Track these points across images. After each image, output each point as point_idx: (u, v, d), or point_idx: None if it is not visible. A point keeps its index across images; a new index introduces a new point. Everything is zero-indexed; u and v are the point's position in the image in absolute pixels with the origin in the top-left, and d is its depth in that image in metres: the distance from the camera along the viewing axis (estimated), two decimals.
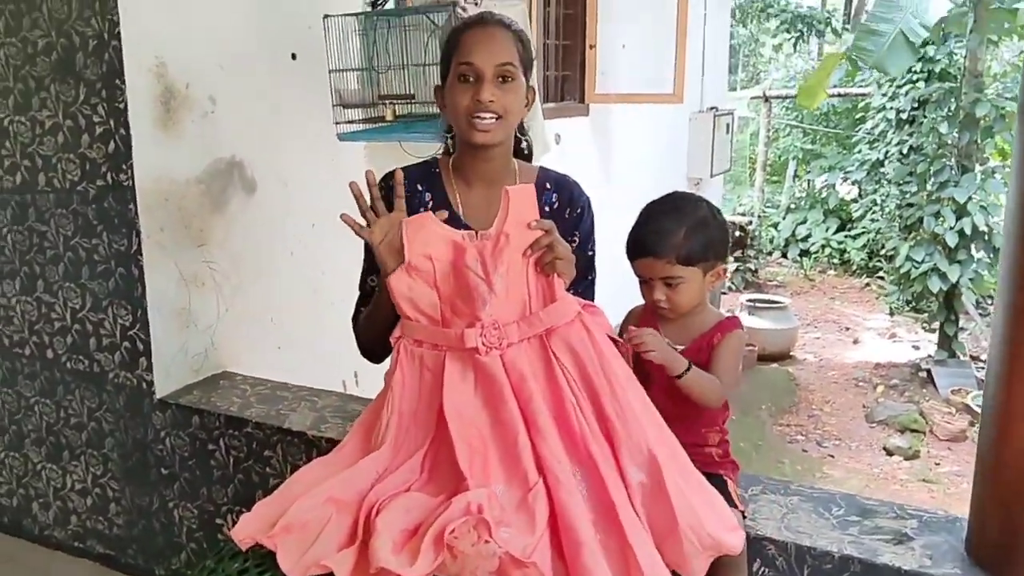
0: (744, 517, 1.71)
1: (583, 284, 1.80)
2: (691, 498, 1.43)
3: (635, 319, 1.80)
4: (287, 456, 2.22)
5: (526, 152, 1.85)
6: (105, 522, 2.61)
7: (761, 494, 1.87)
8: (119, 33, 2.21)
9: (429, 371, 1.50)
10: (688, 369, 1.63)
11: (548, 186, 1.79)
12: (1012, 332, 1.52)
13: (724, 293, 8.70)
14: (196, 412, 2.36)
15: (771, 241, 11.44)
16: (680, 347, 1.72)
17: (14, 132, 2.46)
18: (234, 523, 2.30)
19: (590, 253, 1.81)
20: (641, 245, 1.68)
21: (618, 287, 1.93)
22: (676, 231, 1.65)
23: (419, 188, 1.77)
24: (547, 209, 1.76)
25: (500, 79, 1.61)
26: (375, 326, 1.68)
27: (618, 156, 5.12)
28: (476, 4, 2.43)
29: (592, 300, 1.81)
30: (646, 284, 1.71)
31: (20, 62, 2.39)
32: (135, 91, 2.26)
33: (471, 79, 1.61)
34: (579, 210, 1.79)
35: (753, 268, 9.80)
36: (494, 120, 1.62)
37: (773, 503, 1.83)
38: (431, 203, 1.75)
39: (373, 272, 1.82)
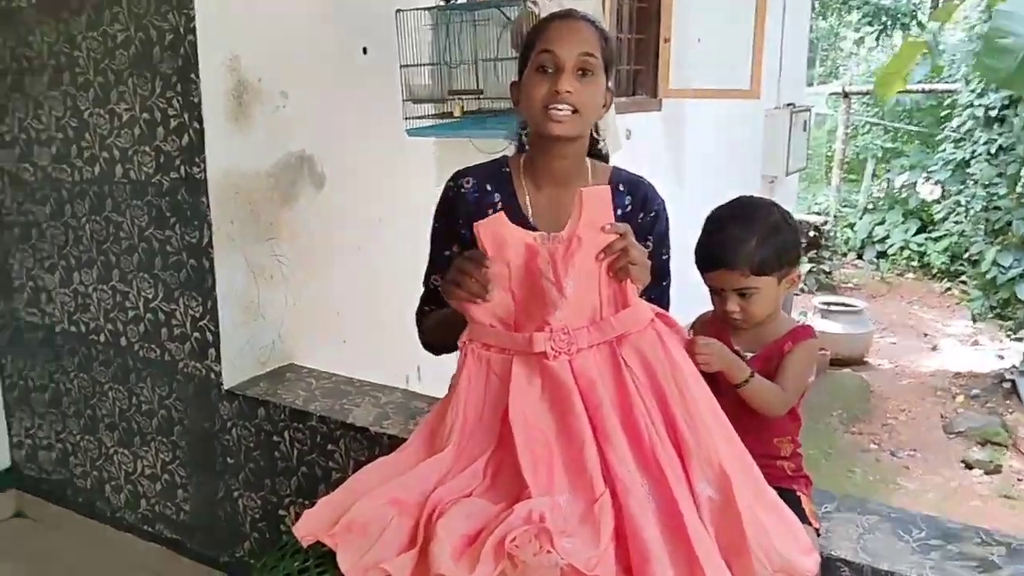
0: (818, 535, 1.64)
1: (657, 290, 1.74)
2: (763, 516, 1.36)
3: (703, 326, 1.74)
4: (349, 451, 2.22)
5: (603, 152, 1.80)
6: (173, 508, 2.66)
7: (836, 512, 1.79)
8: (194, 28, 2.24)
9: (496, 375, 1.47)
10: (751, 377, 1.57)
11: (621, 188, 1.73)
12: None
13: (796, 295, 8.47)
14: (262, 404, 2.38)
15: (847, 242, 11.12)
16: (749, 354, 1.65)
17: (93, 124, 2.52)
18: (296, 515, 2.32)
19: (664, 257, 1.76)
20: (712, 257, 1.62)
21: (691, 288, 1.86)
22: (748, 240, 1.57)
23: (487, 188, 1.74)
24: (619, 212, 1.70)
25: (580, 72, 1.57)
26: (445, 331, 1.63)
27: (690, 153, 5.01)
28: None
29: (667, 306, 1.76)
30: (717, 295, 1.65)
31: (100, 56, 2.44)
32: (209, 85, 2.28)
33: (550, 69, 1.57)
34: (653, 213, 1.73)
35: (827, 270, 9.53)
36: (570, 112, 1.57)
37: (849, 522, 1.75)
38: (499, 204, 1.71)
39: (437, 271, 1.80)
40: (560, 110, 1.56)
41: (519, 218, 1.69)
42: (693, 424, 1.39)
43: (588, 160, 1.74)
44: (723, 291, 1.62)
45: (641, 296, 1.70)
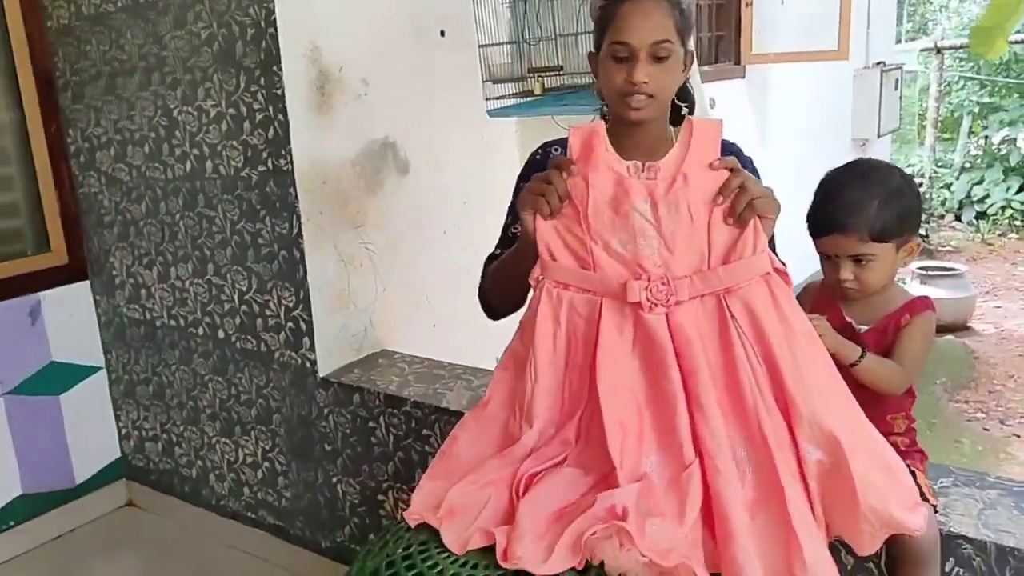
0: (935, 511, 1.56)
1: None
2: (876, 477, 1.29)
3: (812, 295, 1.68)
4: (445, 435, 2.21)
5: (687, 113, 1.75)
6: (275, 494, 2.72)
7: (953, 487, 1.71)
8: (275, 20, 2.25)
9: (582, 319, 1.35)
10: (862, 356, 1.50)
11: None
12: None
13: None
14: (357, 390, 2.40)
15: (943, 203, 10.66)
16: (863, 327, 1.58)
17: (183, 122, 2.57)
18: (395, 499, 2.36)
19: None
20: (828, 220, 1.54)
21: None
22: (868, 203, 1.50)
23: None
24: None
25: (655, 58, 1.52)
26: (510, 275, 1.55)
27: (776, 120, 4.85)
28: None
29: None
30: (830, 262, 1.58)
31: (187, 54, 2.49)
32: (291, 77, 2.30)
33: (623, 55, 1.52)
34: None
35: (924, 233, 9.15)
36: (647, 99, 1.53)
37: (968, 497, 1.66)
38: None
39: (505, 244, 1.79)
40: (638, 96, 1.52)
41: None
42: (804, 387, 1.30)
43: (671, 128, 1.69)
44: (837, 257, 1.55)
45: None
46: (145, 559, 2.88)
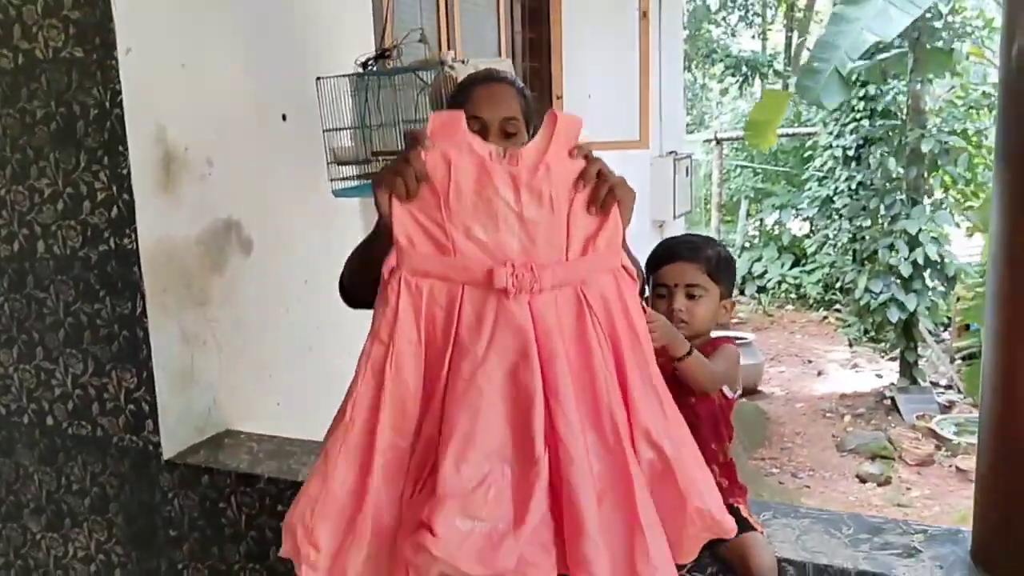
0: (763, 535, 1.78)
1: None
2: (699, 479, 1.40)
3: None
4: None
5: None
6: None
7: (773, 518, 1.94)
8: (121, 101, 2.26)
9: (442, 309, 1.30)
10: (690, 351, 1.65)
11: None
12: (1006, 344, 1.63)
13: None
14: (206, 471, 2.37)
15: None
16: None
17: (11, 201, 2.48)
18: None
19: None
20: (672, 252, 1.78)
21: None
22: (706, 247, 1.79)
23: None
24: None
25: (504, 133, 1.70)
26: (367, 260, 1.50)
27: None
28: (464, 63, 2.53)
29: None
30: (663, 298, 1.76)
31: (18, 132, 2.42)
32: (137, 156, 2.31)
33: (478, 131, 1.70)
34: None
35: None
36: None
37: (786, 526, 1.90)
38: None
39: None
40: None
41: None
42: (644, 384, 1.36)
43: None
44: (675, 286, 1.75)
45: None
46: None
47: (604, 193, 1.34)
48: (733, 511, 1.77)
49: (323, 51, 2.93)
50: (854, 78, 5.18)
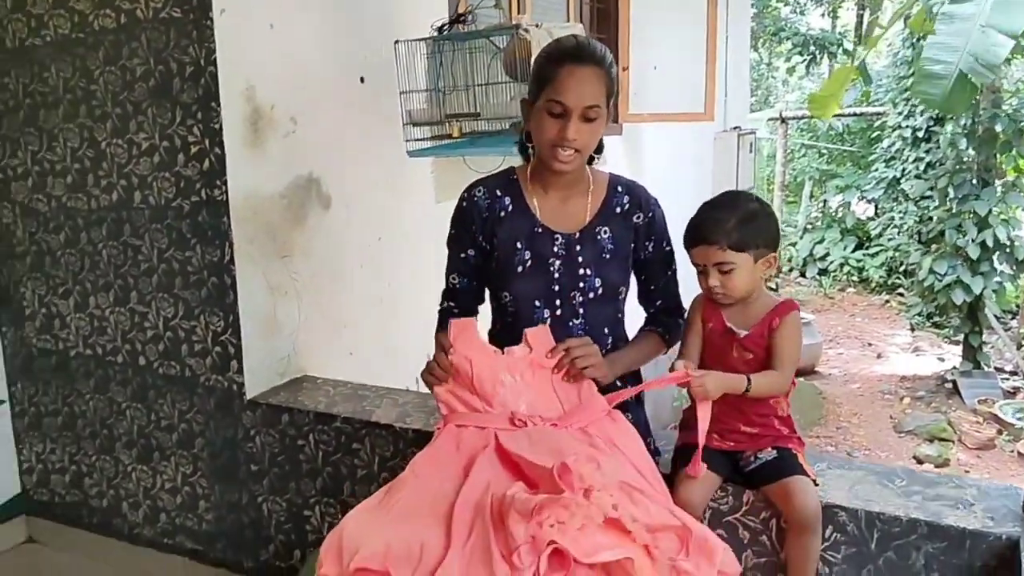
0: (816, 484, 1.85)
1: (664, 279, 1.98)
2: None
3: (699, 305, 1.95)
4: (375, 448, 2.38)
5: (596, 158, 2.00)
6: (195, 518, 2.77)
7: (827, 469, 2.01)
8: (215, 59, 2.41)
9: (479, 447, 1.64)
10: (749, 383, 1.78)
11: (619, 189, 1.96)
12: None
13: None
14: (286, 410, 2.52)
15: (789, 260, 11.59)
16: (743, 332, 1.87)
17: (111, 154, 2.66)
18: (322, 514, 2.47)
19: (667, 249, 1.97)
20: (695, 234, 1.84)
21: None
22: (727, 220, 1.80)
23: (498, 194, 1.94)
24: (618, 210, 1.93)
25: (585, 119, 1.77)
26: None
27: (649, 174, 5.29)
28: (538, 26, 2.61)
29: (676, 289, 1.99)
30: (702, 273, 1.86)
31: (119, 88, 2.59)
32: (228, 113, 2.45)
33: (558, 112, 1.77)
34: (651, 213, 1.95)
35: (774, 287, 9.93)
36: (574, 153, 1.79)
37: (840, 476, 1.97)
38: (511, 207, 1.92)
39: (454, 271, 2.00)
40: (565, 152, 1.78)
41: (530, 218, 1.90)
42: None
43: (588, 169, 1.96)
44: (705, 266, 1.84)
45: (652, 286, 1.95)
46: None
47: (574, 371, 1.77)
48: (790, 455, 1.86)
49: (401, 15, 3.05)
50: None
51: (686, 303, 2.01)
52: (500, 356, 1.78)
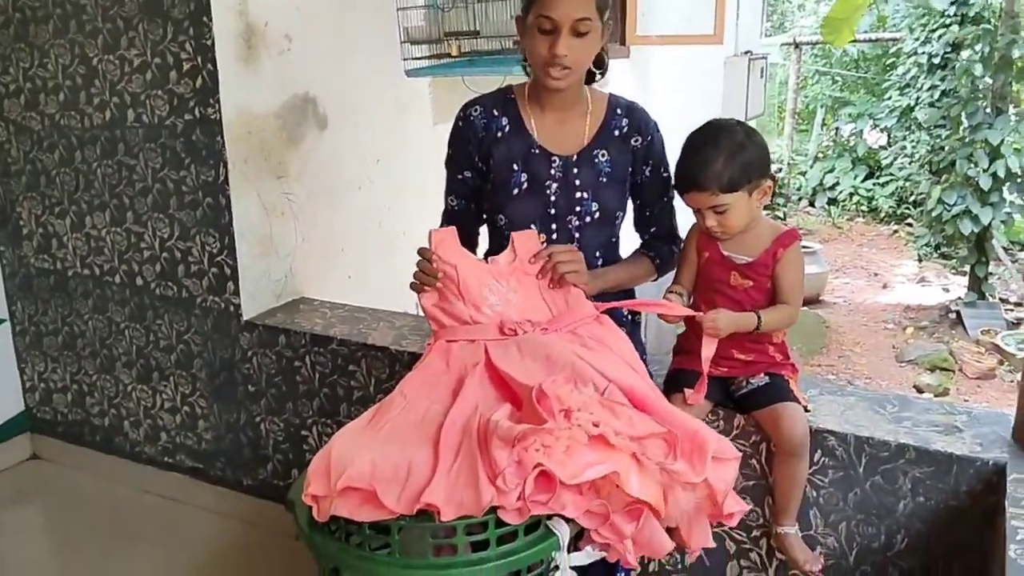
0: (806, 410, 1.86)
1: (659, 205, 1.95)
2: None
3: (694, 235, 1.91)
4: (371, 370, 2.39)
5: (598, 76, 1.95)
6: (194, 437, 2.81)
7: (819, 395, 2.01)
8: None
9: (471, 362, 1.60)
10: (760, 321, 1.77)
11: (619, 111, 1.91)
12: None
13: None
14: (283, 332, 2.53)
15: (799, 189, 11.48)
16: (746, 259, 1.84)
17: (103, 71, 2.61)
18: (319, 434, 2.49)
19: (664, 175, 1.93)
20: (684, 180, 1.79)
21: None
22: (714, 161, 1.72)
23: (495, 114, 1.90)
24: (616, 133, 1.89)
25: (576, 33, 1.72)
26: None
27: (658, 97, 5.19)
28: None
29: (673, 217, 1.96)
30: (698, 212, 1.83)
31: (109, 3, 2.52)
32: (220, 28, 2.39)
33: (548, 28, 1.72)
34: (649, 137, 1.90)
35: (783, 216, 9.87)
36: (565, 71, 1.74)
37: (832, 402, 1.97)
38: (507, 127, 1.88)
39: (452, 193, 1.97)
40: (558, 68, 1.73)
41: (527, 139, 1.86)
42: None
43: (587, 88, 1.91)
44: (699, 211, 1.81)
45: (647, 212, 1.92)
46: (55, 508, 2.90)
47: (556, 276, 1.73)
48: (781, 381, 1.86)
49: None
50: None
51: (683, 231, 1.98)
52: (485, 264, 1.76)
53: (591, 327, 1.71)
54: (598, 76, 1.93)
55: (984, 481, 1.72)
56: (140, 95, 2.56)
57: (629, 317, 1.97)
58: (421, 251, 1.74)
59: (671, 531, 1.42)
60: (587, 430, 1.31)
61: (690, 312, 1.77)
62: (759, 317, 1.78)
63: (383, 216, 3.09)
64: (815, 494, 1.88)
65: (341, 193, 2.92)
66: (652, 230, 1.99)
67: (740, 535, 1.98)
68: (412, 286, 1.76)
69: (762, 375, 1.87)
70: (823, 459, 1.87)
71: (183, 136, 2.52)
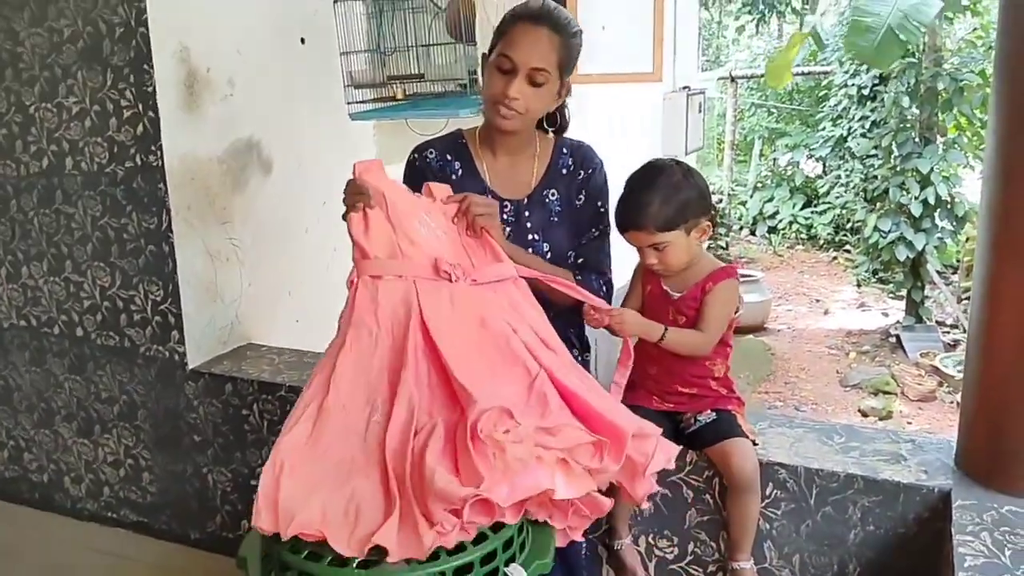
0: (755, 445, 1.88)
1: (589, 236, 1.95)
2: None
3: (640, 269, 1.94)
4: None
5: (556, 128, 1.97)
6: (138, 491, 2.73)
7: (769, 428, 2.04)
8: (146, 20, 2.32)
9: (400, 300, 1.52)
10: (664, 333, 1.79)
11: (565, 151, 1.95)
12: (993, 258, 1.70)
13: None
14: (229, 380, 2.48)
15: (740, 219, 11.71)
16: (677, 294, 1.87)
17: (40, 118, 2.56)
18: None
19: (601, 209, 1.95)
20: (624, 218, 1.81)
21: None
22: (652, 202, 1.76)
23: (448, 158, 1.91)
24: (564, 171, 1.92)
25: (531, 81, 1.74)
26: None
27: (599, 135, 5.26)
28: None
29: (605, 251, 1.97)
30: (640, 250, 1.86)
31: (46, 51, 2.49)
32: (162, 75, 2.37)
33: (507, 69, 1.75)
34: (591, 170, 1.94)
35: (724, 245, 10.04)
36: (515, 114, 1.76)
37: (781, 435, 2.00)
38: (460, 171, 1.90)
39: None
40: (507, 109, 1.75)
41: (479, 184, 1.88)
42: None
43: (537, 132, 1.94)
44: (640, 248, 1.84)
45: (582, 242, 1.92)
46: None
47: (470, 220, 1.62)
48: (728, 416, 1.88)
49: None
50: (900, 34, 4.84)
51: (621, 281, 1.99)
52: (415, 196, 1.65)
53: (506, 287, 1.64)
54: (550, 132, 1.96)
55: (930, 508, 1.76)
56: (79, 142, 2.52)
57: (578, 347, 1.98)
58: (349, 182, 1.62)
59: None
60: (524, 460, 1.32)
61: (598, 301, 1.77)
62: (665, 329, 1.80)
63: (329, 259, 3.06)
64: (768, 527, 1.90)
65: (287, 237, 2.89)
66: (579, 261, 1.95)
67: (696, 571, 1.99)
68: (343, 216, 1.63)
69: (709, 411, 1.89)
70: (775, 492, 1.89)
71: (124, 183, 2.48)
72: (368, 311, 1.52)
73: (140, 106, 2.39)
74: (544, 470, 1.32)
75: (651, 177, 1.80)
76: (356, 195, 1.58)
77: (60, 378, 2.77)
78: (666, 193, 1.76)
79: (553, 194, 1.90)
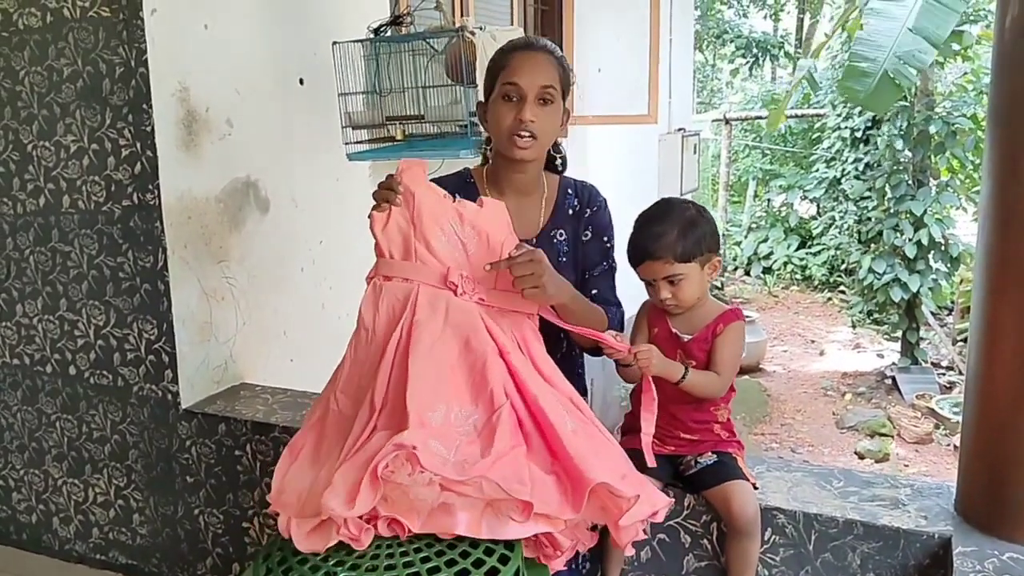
0: (755, 488, 1.87)
1: (600, 268, 1.95)
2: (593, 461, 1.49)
3: (646, 312, 1.96)
4: None
5: (559, 167, 1.99)
6: (128, 533, 2.69)
7: (767, 472, 2.03)
8: (146, 60, 2.34)
9: (399, 301, 1.56)
10: (685, 373, 1.79)
11: (570, 191, 1.95)
12: (991, 302, 1.70)
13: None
14: (222, 420, 2.46)
15: (734, 259, 11.75)
16: (687, 337, 1.88)
17: (38, 156, 2.56)
18: (261, 526, 2.41)
19: (607, 243, 1.95)
20: (640, 251, 1.83)
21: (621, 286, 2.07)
22: (669, 233, 1.79)
23: (456, 197, 1.92)
24: (570, 211, 1.93)
25: (541, 101, 1.76)
26: None
27: (595, 175, 5.28)
28: (482, 29, 2.59)
29: (612, 286, 1.96)
30: (651, 285, 1.86)
31: (45, 89, 2.50)
32: (161, 115, 2.38)
33: (514, 98, 1.76)
34: (595, 207, 1.95)
35: (720, 285, 10.06)
36: (532, 139, 1.77)
37: (779, 479, 1.99)
38: None
39: None
40: (523, 137, 1.76)
41: None
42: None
43: (544, 174, 1.95)
44: (655, 281, 1.84)
45: (587, 275, 1.93)
46: None
47: (519, 276, 1.57)
48: (729, 459, 1.87)
49: (340, 16, 3.01)
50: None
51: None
52: (449, 202, 1.65)
53: (519, 320, 1.64)
54: (556, 157, 1.97)
55: (931, 555, 1.74)
56: (76, 181, 2.52)
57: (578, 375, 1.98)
58: (389, 177, 1.66)
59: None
60: (425, 500, 1.35)
61: (625, 346, 1.72)
62: (686, 370, 1.79)
63: (325, 297, 3.07)
64: (767, 573, 1.88)
65: (283, 276, 2.89)
66: (593, 292, 1.94)
67: None
68: (370, 215, 1.66)
69: (710, 454, 1.89)
70: (773, 537, 1.87)
71: (120, 222, 2.48)
72: (370, 311, 1.58)
73: (138, 145, 2.40)
74: (463, 513, 1.36)
75: (666, 211, 1.84)
76: (383, 193, 1.63)
77: (52, 417, 2.74)
78: (683, 226, 1.80)
79: (561, 234, 1.91)
